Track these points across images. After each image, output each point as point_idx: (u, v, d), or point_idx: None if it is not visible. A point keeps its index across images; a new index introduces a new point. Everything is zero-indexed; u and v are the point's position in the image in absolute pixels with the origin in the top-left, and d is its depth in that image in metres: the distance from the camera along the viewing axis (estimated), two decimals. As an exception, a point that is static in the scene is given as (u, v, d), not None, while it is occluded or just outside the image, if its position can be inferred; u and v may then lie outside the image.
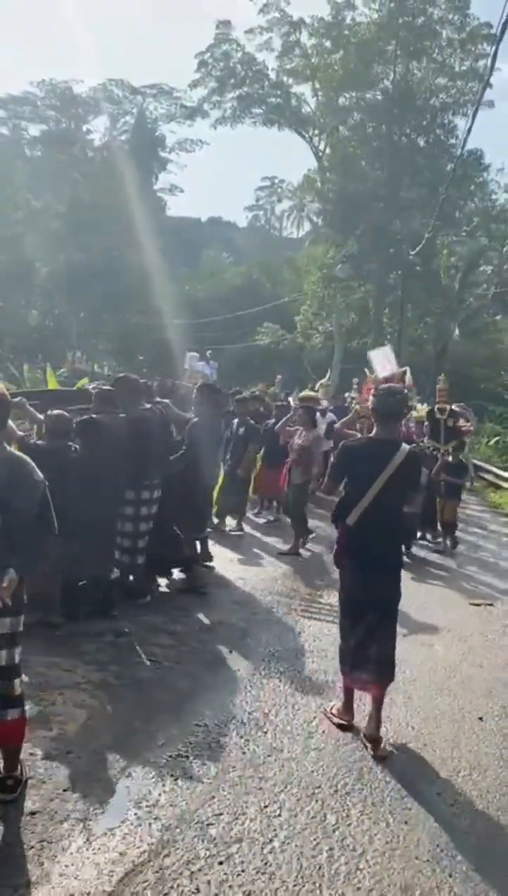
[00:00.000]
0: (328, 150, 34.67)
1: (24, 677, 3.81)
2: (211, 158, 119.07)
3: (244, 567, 8.36)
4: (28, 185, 38.82)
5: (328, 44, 32.57)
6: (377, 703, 4.46)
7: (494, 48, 20.90)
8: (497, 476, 17.20)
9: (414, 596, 7.73)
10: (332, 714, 4.68)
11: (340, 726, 4.55)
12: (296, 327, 35.65)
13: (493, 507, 14.65)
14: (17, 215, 36.16)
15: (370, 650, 4.49)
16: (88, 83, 54.54)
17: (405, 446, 4.53)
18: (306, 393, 11.37)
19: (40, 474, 3.45)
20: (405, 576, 8.38)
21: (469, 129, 22.46)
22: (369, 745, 4.33)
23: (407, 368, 16.44)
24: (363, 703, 4.67)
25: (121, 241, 34.87)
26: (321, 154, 35.04)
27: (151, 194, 48.81)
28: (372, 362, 10.47)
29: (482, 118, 39.94)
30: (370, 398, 4.97)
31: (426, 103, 31.73)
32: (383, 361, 11.15)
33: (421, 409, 12.20)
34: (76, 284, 34.14)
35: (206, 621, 6.41)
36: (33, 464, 3.47)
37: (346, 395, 18.44)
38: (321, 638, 6.25)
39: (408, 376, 16.52)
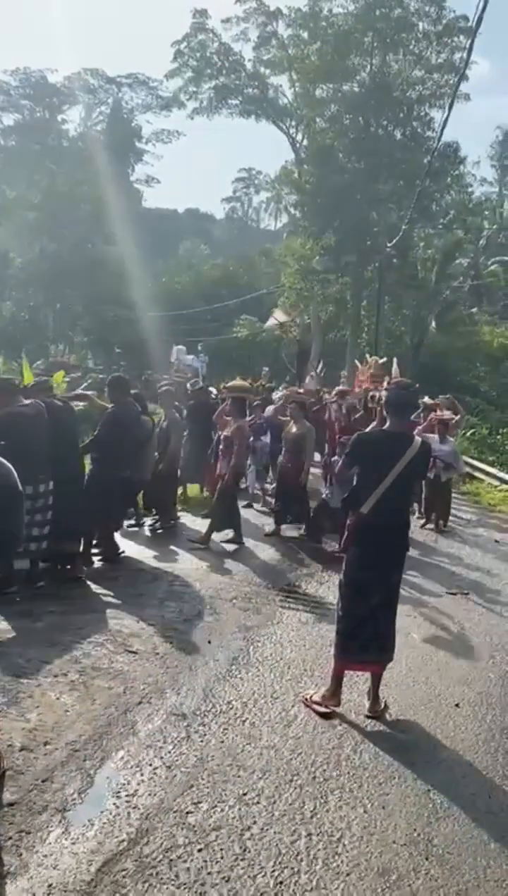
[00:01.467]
0: (305, 142, 34.65)
1: None
2: (188, 149, 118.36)
3: (222, 558, 8.36)
4: (1, 175, 38.37)
5: (305, 35, 32.53)
6: (377, 681, 4.74)
7: (470, 41, 21.01)
8: (474, 467, 17.35)
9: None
10: (315, 702, 4.70)
11: (322, 714, 4.59)
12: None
13: (470, 498, 14.77)
14: (-9, 205, 35.74)
15: (373, 631, 4.68)
16: (63, 72, 53.88)
17: (418, 440, 4.68)
18: (237, 382, 11.10)
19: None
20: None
21: (445, 122, 22.54)
22: (372, 718, 4.61)
23: (394, 359, 16.54)
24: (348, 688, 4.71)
25: (97, 232, 34.62)
26: (298, 146, 35.02)
27: (128, 185, 48.52)
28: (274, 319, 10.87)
29: (458, 111, 40.23)
30: (383, 391, 5.12)
31: (403, 95, 31.78)
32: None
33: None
34: (51, 276, 33.82)
35: (183, 612, 6.41)
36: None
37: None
38: (300, 628, 6.28)
39: (395, 368, 16.59)
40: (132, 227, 37.01)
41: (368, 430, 5.34)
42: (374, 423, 9.61)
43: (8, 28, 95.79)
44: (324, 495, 9.46)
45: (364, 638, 4.67)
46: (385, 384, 15.50)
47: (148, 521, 9.56)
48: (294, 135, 35.26)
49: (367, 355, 18.75)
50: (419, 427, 11.04)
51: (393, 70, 31.97)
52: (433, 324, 32.54)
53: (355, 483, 4.78)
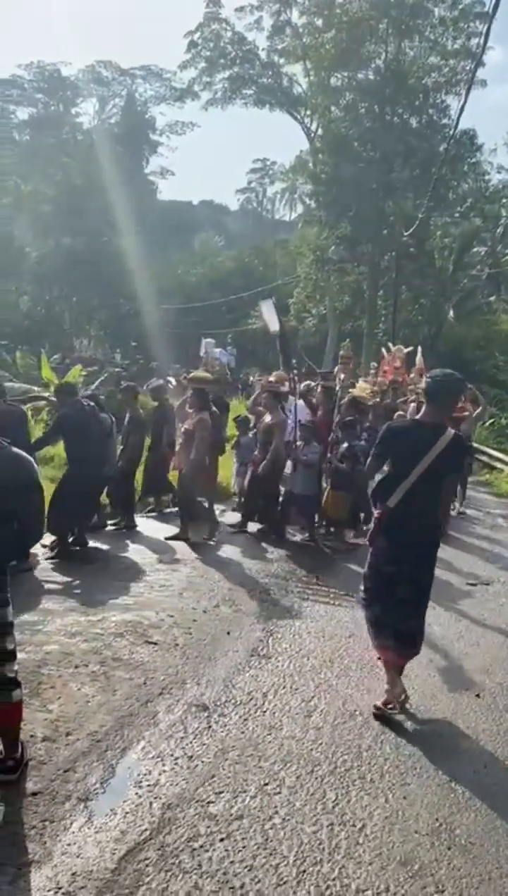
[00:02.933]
0: (320, 131, 34.43)
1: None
2: (202, 141, 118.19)
3: (241, 551, 8.37)
4: (16, 170, 38.48)
5: (319, 23, 32.29)
6: (399, 672, 4.69)
7: (486, 26, 20.70)
8: (492, 457, 17.24)
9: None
10: (386, 707, 4.56)
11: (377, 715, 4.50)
12: (289, 310, 35.53)
13: (489, 488, 14.69)
14: (6, 200, 35.87)
15: (397, 625, 4.57)
16: (77, 65, 53.95)
17: (450, 431, 4.48)
18: (198, 374, 10.90)
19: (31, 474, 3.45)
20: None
21: (462, 109, 22.26)
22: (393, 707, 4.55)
23: (418, 348, 16.31)
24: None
25: (112, 225, 34.65)
26: (313, 135, 34.80)
27: (142, 178, 48.54)
28: (262, 314, 10.66)
29: (474, 98, 39.65)
30: (424, 379, 5.00)
31: (419, 83, 31.49)
32: (268, 315, 11.34)
33: (360, 387, 11.84)
34: (67, 270, 33.94)
35: (203, 603, 6.43)
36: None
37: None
38: (319, 619, 6.28)
39: (419, 357, 16.33)
40: (147, 220, 37.07)
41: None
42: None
43: (22, 22, 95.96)
44: (287, 485, 9.20)
45: (390, 627, 4.60)
46: (414, 374, 15.21)
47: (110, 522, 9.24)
48: (309, 124, 35.07)
49: (390, 344, 18.49)
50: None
51: (408, 57, 31.70)
52: (451, 313, 32.28)
53: (383, 474, 4.64)
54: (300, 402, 10.20)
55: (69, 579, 6.90)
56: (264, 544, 8.73)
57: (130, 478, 9.33)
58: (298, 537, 9.08)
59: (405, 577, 4.51)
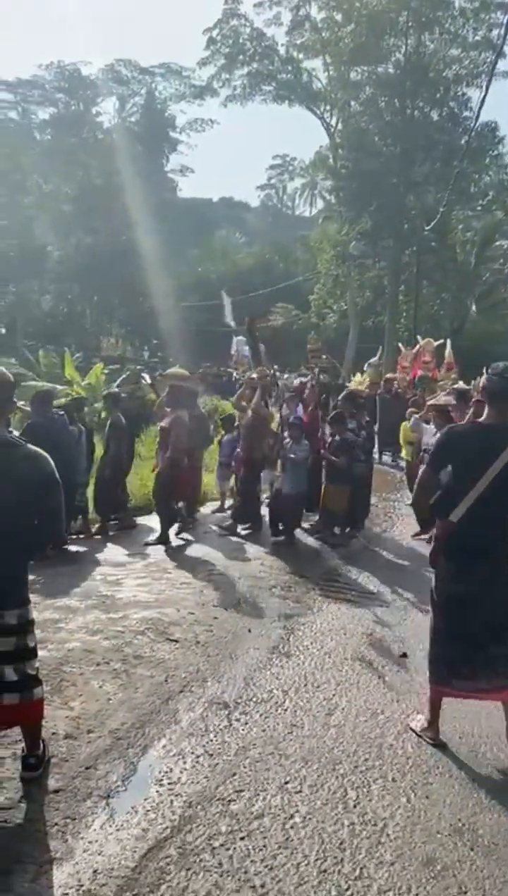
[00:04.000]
0: (340, 126, 34.27)
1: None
2: (222, 138, 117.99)
3: (262, 549, 8.37)
4: (38, 169, 38.74)
5: (338, 17, 32.08)
6: None
7: (507, 16, 20.49)
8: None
9: (432, 573, 7.71)
10: (420, 732, 4.24)
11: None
12: (310, 307, 35.44)
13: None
14: (28, 200, 36.13)
15: (484, 654, 4.00)
16: (97, 64, 54.16)
17: None
18: (174, 371, 10.62)
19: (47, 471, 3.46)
20: (425, 553, 8.38)
21: (483, 101, 22.18)
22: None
23: (447, 341, 15.73)
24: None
25: (132, 223, 34.77)
26: (332, 130, 34.65)
27: (162, 176, 48.64)
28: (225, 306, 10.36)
29: (496, 89, 39.34)
30: (483, 379, 4.64)
31: (440, 75, 31.21)
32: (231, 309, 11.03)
33: (357, 380, 11.60)
34: (88, 268, 34.12)
35: (224, 601, 6.43)
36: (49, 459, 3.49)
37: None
38: (340, 616, 6.26)
39: (448, 351, 15.85)
40: (167, 218, 37.13)
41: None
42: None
43: (42, 23, 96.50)
44: (275, 484, 8.94)
45: (471, 662, 4.01)
46: (443, 370, 14.73)
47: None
48: (329, 119, 34.92)
49: (418, 337, 17.98)
50: (417, 415, 10.28)
51: (429, 49, 31.40)
52: (473, 307, 32.03)
53: (445, 485, 4.11)
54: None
55: (93, 576, 6.94)
56: (284, 544, 8.71)
57: (115, 483, 9.08)
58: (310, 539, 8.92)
59: (480, 595, 3.96)
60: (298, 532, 8.88)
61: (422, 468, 4.48)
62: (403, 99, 31.17)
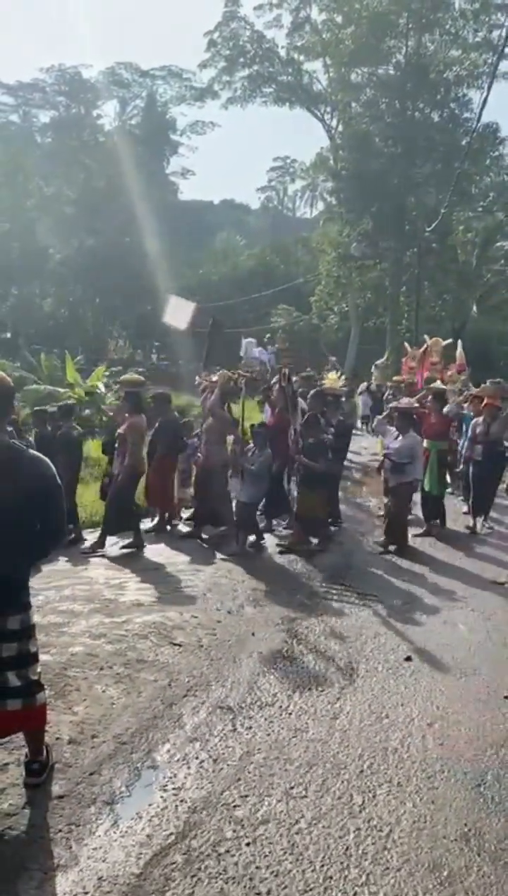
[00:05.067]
0: (340, 128, 34.24)
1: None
2: (222, 140, 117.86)
3: (264, 553, 8.34)
4: (39, 172, 38.77)
5: (338, 19, 32.05)
6: None
7: (508, 17, 20.46)
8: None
9: (437, 575, 7.70)
10: None
11: None
12: (311, 308, 35.41)
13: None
14: (29, 202, 36.15)
15: None
16: (98, 67, 54.23)
17: None
18: (128, 377, 10.40)
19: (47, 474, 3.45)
20: (428, 556, 8.35)
21: (484, 102, 22.15)
22: None
23: (458, 341, 15.15)
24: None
25: (133, 225, 34.78)
26: (333, 132, 34.62)
27: (163, 178, 48.64)
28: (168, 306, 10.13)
29: (497, 91, 39.28)
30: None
31: (440, 77, 31.14)
32: (174, 309, 10.80)
33: (331, 378, 10.82)
34: (89, 270, 34.14)
35: (227, 604, 6.41)
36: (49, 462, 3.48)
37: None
38: (344, 620, 6.23)
39: (459, 351, 15.24)
40: (168, 220, 37.11)
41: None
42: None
43: (43, 27, 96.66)
44: (235, 493, 8.60)
45: None
46: (453, 371, 14.19)
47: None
48: (329, 121, 34.88)
49: (426, 336, 17.38)
50: (383, 419, 9.63)
51: (429, 51, 31.34)
52: (475, 308, 31.96)
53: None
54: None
55: (96, 580, 6.93)
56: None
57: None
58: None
59: None
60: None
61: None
62: (403, 100, 31.12)
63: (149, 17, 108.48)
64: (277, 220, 64.97)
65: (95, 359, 28.34)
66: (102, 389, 18.17)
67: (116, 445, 8.39)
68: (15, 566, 3.41)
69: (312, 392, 9.66)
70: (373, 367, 19.22)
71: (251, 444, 8.57)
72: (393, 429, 8.86)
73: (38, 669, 3.57)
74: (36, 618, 3.65)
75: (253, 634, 5.75)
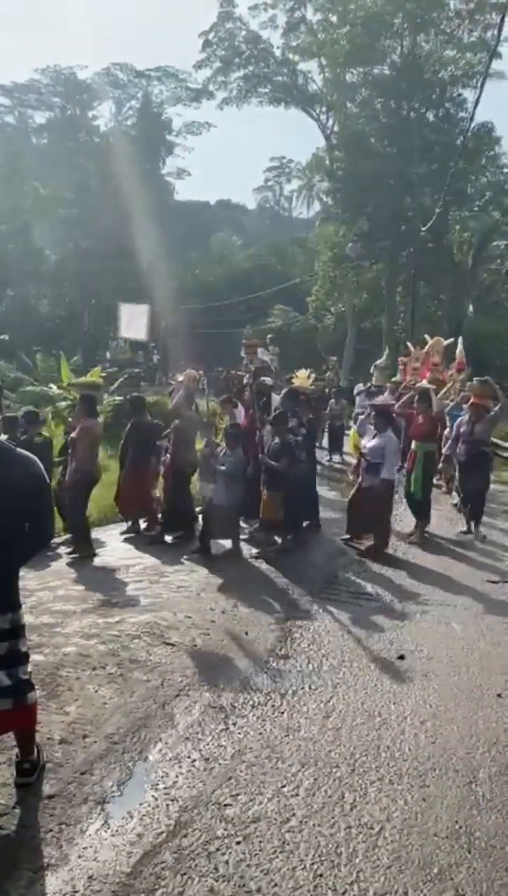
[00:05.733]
0: (336, 128, 34.29)
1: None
2: (218, 141, 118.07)
3: (249, 553, 8.35)
4: (35, 173, 38.74)
5: (333, 19, 32.09)
6: None
7: (502, 16, 20.49)
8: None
9: (431, 574, 7.70)
10: None
11: None
12: (308, 308, 35.45)
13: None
14: (25, 203, 36.11)
15: None
16: (93, 68, 54.17)
17: None
18: (84, 380, 10.13)
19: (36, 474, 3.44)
20: (421, 554, 8.36)
21: (477, 101, 22.23)
22: None
23: (459, 339, 14.83)
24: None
25: (129, 226, 34.77)
26: (329, 132, 34.67)
27: (159, 179, 48.64)
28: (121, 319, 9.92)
29: (492, 91, 39.34)
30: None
31: (435, 76, 31.21)
32: (129, 320, 10.52)
33: (302, 376, 10.39)
34: (86, 272, 34.13)
35: (221, 604, 6.41)
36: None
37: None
38: (337, 619, 6.24)
39: (459, 349, 15.02)
40: (164, 221, 37.11)
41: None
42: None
43: (38, 28, 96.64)
44: (208, 493, 8.30)
45: None
46: (452, 372, 13.90)
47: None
48: (325, 121, 34.93)
49: (426, 336, 16.94)
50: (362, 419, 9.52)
51: (424, 51, 31.40)
52: (471, 308, 32.01)
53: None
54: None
55: (90, 581, 6.93)
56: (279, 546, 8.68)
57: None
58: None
59: None
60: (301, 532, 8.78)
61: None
62: (399, 100, 31.17)
63: (144, 17, 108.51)
64: (273, 221, 65.08)
65: (97, 360, 28.33)
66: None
67: (70, 450, 8.17)
68: (4, 566, 3.41)
69: (283, 391, 9.45)
70: (373, 367, 19.02)
71: (222, 445, 8.35)
72: (370, 427, 8.73)
73: (29, 669, 3.58)
74: (29, 618, 3.66)
75: (246, 634, 5.75)
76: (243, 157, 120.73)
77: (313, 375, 11.31)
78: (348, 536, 8.79)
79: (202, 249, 47.59)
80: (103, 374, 19.97)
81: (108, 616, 5.88)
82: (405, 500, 9.60)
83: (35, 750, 3.63)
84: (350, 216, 31.61)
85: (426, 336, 16.32)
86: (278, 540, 8.35)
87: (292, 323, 36.38)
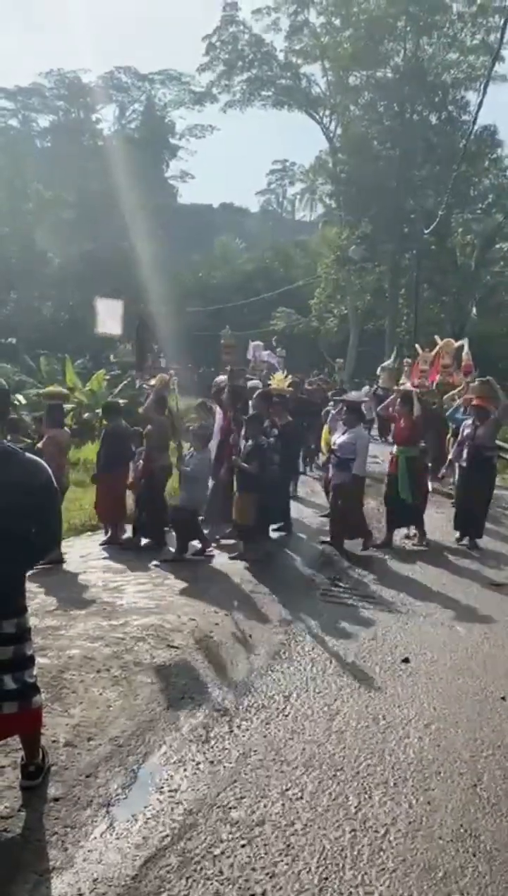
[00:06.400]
0: (339, 131, 34.37)
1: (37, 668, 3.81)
2: (222, 144, 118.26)
3: (261, 552, 8.34)
4: (38, 176, 38.86)
5: (337, 22, 32.20)
6: None
7: (505, 20, 20.53)
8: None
9: (434, 576, 7.70)
10: None
11: None
12: (310, 311, 35.48)
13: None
14: (28, 206, 36.21)
15: None
16: (96, 72, 54.36)
17: None
18: (50, 389, 9.96)
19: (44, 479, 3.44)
20: (424, 557, 8.35)
21: (480, 104, 22.12)
22: None
23: (465, 341, 14.62)
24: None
25: (132, 229, 34.85)
26: (332, 135, 34.76)
27: (163, 182, 48.83)
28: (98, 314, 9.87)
29: (495, 93, 39.42)
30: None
31: (438, 79, 31.31)
32: (105, 316, 10.44)
33: (278, 379, 10.14)
34: (89, 275, 34.18)
35: (225, 607, 6.41)
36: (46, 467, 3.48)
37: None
38: (341, 621, 6.24)
39: (466, 352, 14.78)
40: (167, 224, 37.20)
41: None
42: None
43: (42, 32, 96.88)
44: (179, 498, 8.23)
45: None
46: (461, 376, 13.63)
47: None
48: (328, 124, 35.02)
49: (436, 338, 16.56)
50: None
51: (427, 54, 31.49)
52: (474, 310, 32.01)
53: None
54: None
55: (92, 584, 6.93)
56: (286, 550, 8.69)
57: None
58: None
59: None
60: (305, 535, 8.73)
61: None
62: (402, 103, 31.25)
63: (148, 21, 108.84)
64: (276, 224, 65.11)
65: (102, 362, 28.29)
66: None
67: None
68: (11, 570, 3.41)
69: (256, 392, 9.28)
70: (379, 369, 18.72)
71: (190, 447, 8.24)
72: (340, 424, 8.63)
73: (35, 672, 3.58)
74: (33, 621, 3.67)
75: (250, 637, 5.75)
76: (246, 159, 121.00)
77: (320, 376, 11.17)
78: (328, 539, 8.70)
79: (205, 252, 47.65)
80: (107, 377, 20.02)
81: (112, 619, 5.88)
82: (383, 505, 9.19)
83: (40, 753, 3.63)
84: (353, 219, 31.70)
85: (435, 337, 16.01)
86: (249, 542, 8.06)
87: (294, 325, 36.41)
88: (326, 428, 10.65)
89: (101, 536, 8.93)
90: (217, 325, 34.49)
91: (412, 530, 9.16)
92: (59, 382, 18.89)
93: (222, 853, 3.17)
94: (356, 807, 3.55)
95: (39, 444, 7.98)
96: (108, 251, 34.81)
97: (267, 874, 3.06)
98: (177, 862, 3.11)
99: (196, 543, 8.13)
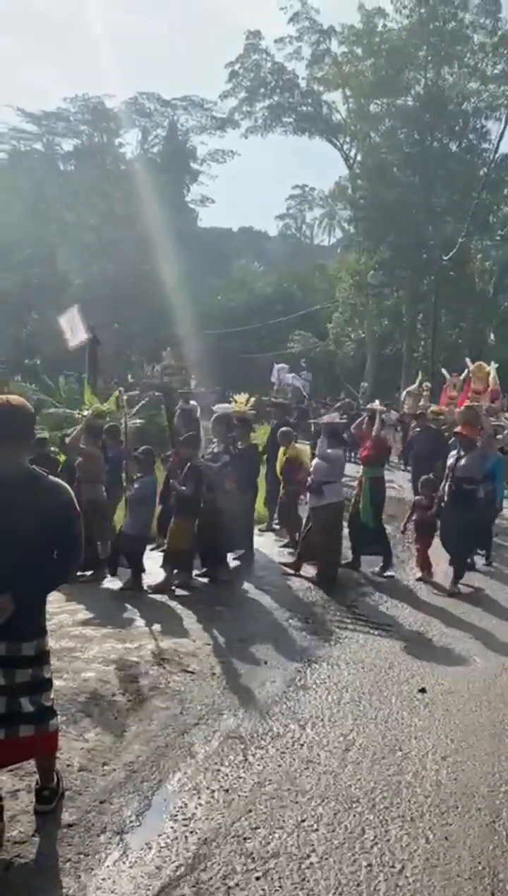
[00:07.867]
0: (359, 158, 34.68)
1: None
2: (242, 168, 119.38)
3: (277, 581, 8.31)
4: (61, 199, 39.38)
5: (358, 51, 32.60)
6: None
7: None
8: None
9: (450, 606, 7.63)
10: None
11: None
12: (328, 335, 35.59)
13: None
14: (51, 229, 36.69)
15: None
16: (120, 97, 55.21)
17: None
18: (97, 407, 10.00)
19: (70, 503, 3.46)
20: (437, 586, 8.27)
21: (502, 133, 22.25)
22: None
23: (493, 365, 14.05)
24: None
25: (153, 252, 35.19)
26: (352, 161, 35.08)
27: (183, 206, 49.23)
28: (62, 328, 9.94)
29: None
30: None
31: (458, 108, 31.60)
32: (68, 329, 10.44)
33: (239, 401, 9.50)
34: (110, 297, 34.50)
35: (239, 632, 6.38)
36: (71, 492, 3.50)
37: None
38: (358, 650, 6.19)
39: (493, 377, 13.32)
40: (188, 247, 37.50)
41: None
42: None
43: (67, 59, 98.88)
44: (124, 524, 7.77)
45: None
46: (486, 399, 13.15)
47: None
48: (348, 150, 35.36)
49: (467, 360, 15.44)
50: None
51: (448, 83, 31.81)
52: (492, 335, 32.02)
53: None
54: None
55: (108, 605, 6.92)
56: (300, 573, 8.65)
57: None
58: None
59: None
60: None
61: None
62: (422, 131, 31.56)
63: (172, 48, 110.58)
64: (294, 248, 65.42)
65: (127, 383, 28.38)
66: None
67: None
68: (32, 593, 3.42)
69: (214, 416, 9.04)
70: (404, 393, 18.29)
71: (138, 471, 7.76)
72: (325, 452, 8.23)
73: (52, 696, 3.57)
74: (50, 642, 3.66)
75: (266, 663, 5.72)
76: (266, 184, 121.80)
77: (346, 400, 11.03)
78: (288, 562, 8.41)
79: (224, 275, 47.96)
80: (125, 397, 20.09)
81: (127, 641, 5.87)
82: (346, 530, 8.77)
83: (55, 777, 3.61)
84: (372, 244, 31.88)
85: (466, 360, 15.50)
86: (175, 571, 7.62)
87: (311, 349, 36.51)
88: (306, 448, 10.41)
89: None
90: (235, 348, 34.75)
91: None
92: (77, 403, 19.00)
93: (237, 885, 3.14)
94: (372, 840, 3.50)
95: (76, 463, 7.92)
96: (128, 274, 35.14)
97: (282, 908, 3.02)
98: (191, 892, 3.07)
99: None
